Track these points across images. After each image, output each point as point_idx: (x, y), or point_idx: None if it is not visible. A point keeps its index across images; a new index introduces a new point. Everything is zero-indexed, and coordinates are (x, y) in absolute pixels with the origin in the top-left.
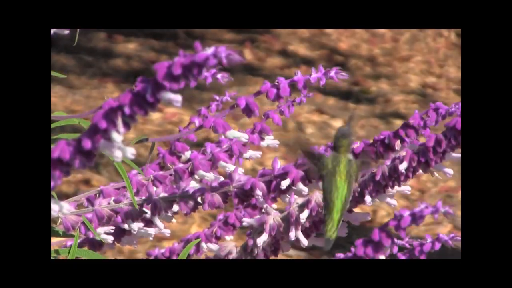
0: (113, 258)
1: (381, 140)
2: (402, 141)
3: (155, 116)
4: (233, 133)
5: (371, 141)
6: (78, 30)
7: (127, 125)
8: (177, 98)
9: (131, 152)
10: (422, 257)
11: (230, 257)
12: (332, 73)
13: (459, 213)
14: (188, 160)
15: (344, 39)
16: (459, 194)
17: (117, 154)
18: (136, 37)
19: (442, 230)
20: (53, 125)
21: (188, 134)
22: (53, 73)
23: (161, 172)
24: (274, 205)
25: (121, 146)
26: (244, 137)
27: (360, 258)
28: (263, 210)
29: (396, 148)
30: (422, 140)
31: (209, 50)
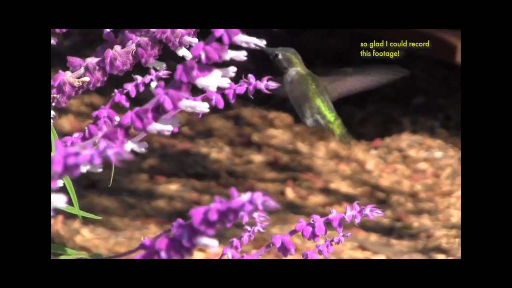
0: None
1: None
2: None
3: (197, 256)
4: None
5: None
6: (113, 169)
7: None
8: (213, 243)
9: None
10: None
11: None
12: (367, 210)
13: None
14: None
15: (385, 175)
16: None
17: None
18: (178, 177)
19: None
20: None
21: None
22: (87, 214)
23: None
24: None
25: None
26: None
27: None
28: None
29: None
30: None
31: (245, 197)
